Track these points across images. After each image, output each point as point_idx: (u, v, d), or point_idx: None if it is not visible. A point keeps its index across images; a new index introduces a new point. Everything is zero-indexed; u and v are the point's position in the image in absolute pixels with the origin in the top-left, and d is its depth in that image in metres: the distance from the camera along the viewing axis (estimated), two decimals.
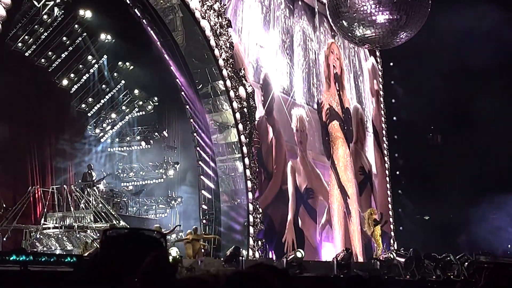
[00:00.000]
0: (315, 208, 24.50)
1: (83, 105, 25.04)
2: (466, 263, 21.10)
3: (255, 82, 23.18)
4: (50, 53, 22.87)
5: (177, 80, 22.05)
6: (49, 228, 19.90)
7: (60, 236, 19.47)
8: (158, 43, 21.69)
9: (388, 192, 31.85)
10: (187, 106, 22.31)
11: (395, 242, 30.34)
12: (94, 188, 21.79)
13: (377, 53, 32.21)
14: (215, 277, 2.11)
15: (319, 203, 24.84)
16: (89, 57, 23.82)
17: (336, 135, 26.73)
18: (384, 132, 32.74)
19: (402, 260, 21.72)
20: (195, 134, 22.40)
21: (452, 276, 20.82)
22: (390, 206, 31.43)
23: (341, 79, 27.81)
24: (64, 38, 22.76)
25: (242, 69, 22.81)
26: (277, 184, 23.38)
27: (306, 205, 24.08)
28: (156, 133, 26.60)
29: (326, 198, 25.48)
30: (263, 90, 23.45)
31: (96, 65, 24.21)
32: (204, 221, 22.05)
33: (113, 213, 20.37)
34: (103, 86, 25.01)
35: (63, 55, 23.16)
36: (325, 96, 26.55)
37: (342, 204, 26.50)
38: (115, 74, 25.02)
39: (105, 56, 24.19)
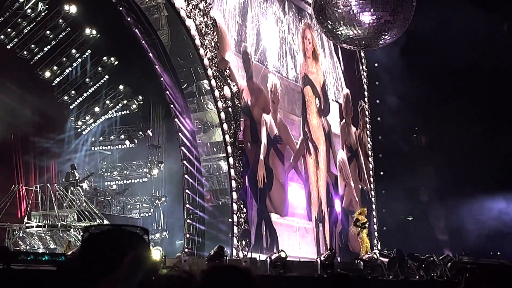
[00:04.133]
0: (283, 153, 25.80)
1: (66, 97, 24.90)
2: (449, 264, 21.21)
3: (236, 52, 23.73)
4: (33, 46, 22.74)
5: (162, 79, 21.97)
6: (32, 227, 19.76)
7: (43, 235, 19.35)
8: (143, 41, 21.60)
9: (372, 192, 31.94)
10: (172, 105, 22.21)
11: (379, 243, 30.41)
12: (78, 187, 21.69)
13: (362, 54, 32.28)
14: (191, 274, 2.10)
15: (286, 151, 26.05)
16: (73, 51, 23.71)
17: (310, 98, 28.51)
18: (368, 132, 32.80)
19: (386, 260, 21.76)
20: (179, 134, 22.31)
21: (435, 277, 20.94)
22: (373, 206, 31.50)
23: (316, 54, 29.68)
24: (48, 32, 22.63)
25: (227, 68, 22.82)
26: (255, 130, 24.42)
27: (276, 148, 25.36)
28: (140, 132, 26.53)
29: (293, 148, 26.72)
30: (243, 59, 24.26)
31: (79, 59, 24.10)
32: (188, 220, 21.96)
33: (97, 212, 20.30)
34: (87, 80, 24.91)
35: (46, 48, 23.02)
36: (302, 67, 28.67)
37: (313, 157, 28.03)
38: (99, 68, 24.92)
39: (89, 51, 24.09)
